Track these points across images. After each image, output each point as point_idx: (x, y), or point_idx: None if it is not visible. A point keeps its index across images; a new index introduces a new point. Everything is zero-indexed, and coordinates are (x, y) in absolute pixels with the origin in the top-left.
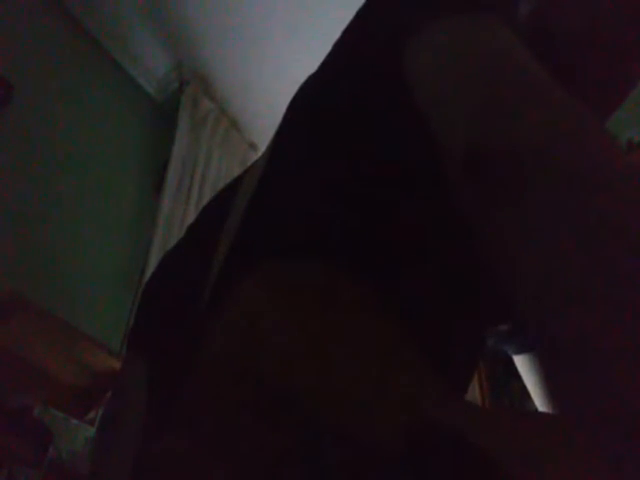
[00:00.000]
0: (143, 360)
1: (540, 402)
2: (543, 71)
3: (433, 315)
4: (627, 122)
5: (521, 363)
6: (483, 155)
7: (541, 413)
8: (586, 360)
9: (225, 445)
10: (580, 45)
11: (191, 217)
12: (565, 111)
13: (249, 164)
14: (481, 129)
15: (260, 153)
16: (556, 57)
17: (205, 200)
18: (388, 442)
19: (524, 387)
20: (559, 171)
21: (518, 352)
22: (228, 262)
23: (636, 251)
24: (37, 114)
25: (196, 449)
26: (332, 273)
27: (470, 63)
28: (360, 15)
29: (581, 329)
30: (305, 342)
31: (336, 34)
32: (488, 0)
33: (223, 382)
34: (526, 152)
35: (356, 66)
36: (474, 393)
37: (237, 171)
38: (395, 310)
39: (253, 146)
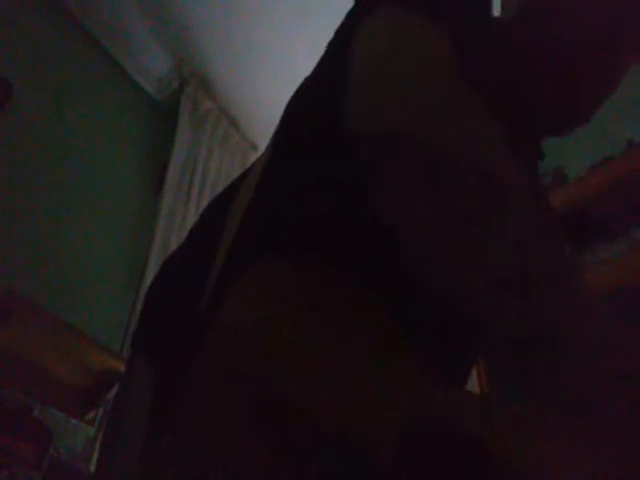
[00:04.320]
0: (148, 361)
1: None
2: (465, 80)
3: (430, 314)
4: (627, 122)
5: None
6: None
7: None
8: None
9: (225, 445)
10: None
11: (191, 217)
12: (483, 120)
13: (249, 164)
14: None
15: (260, 153)
16: (542, 49)
17: (205, 200)
18: (386, 443)
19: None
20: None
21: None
22: (228, 262)
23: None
24: (37, 114)
25: (196, 448)
26: (332, 272)
27: (398, 60)
28: (347, 16)
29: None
30: (304, 343)
31: None
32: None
33: (222, 383)
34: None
35: (341, 66)
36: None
37: (237, 171)
38: (393, 310)
39: (253, 146)
